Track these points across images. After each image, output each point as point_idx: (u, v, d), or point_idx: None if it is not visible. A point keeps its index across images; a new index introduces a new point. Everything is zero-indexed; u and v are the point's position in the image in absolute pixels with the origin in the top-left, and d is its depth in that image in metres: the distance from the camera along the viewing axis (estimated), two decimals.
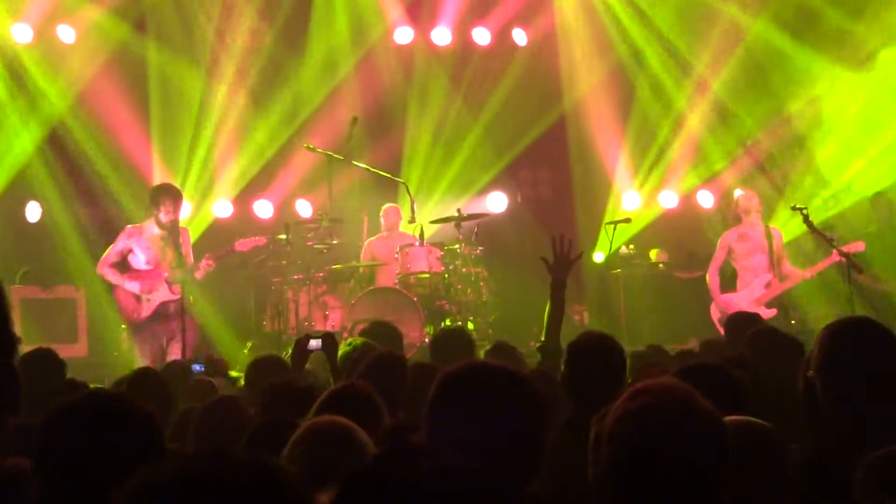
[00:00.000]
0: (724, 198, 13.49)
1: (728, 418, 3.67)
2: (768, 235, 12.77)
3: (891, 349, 3.88)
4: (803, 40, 15.42)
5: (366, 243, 14.40)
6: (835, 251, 12.08)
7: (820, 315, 12.90)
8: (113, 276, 12.12)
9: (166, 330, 12.04)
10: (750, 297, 12.59)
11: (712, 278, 12.93)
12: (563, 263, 7.26)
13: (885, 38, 14.97)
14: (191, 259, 12.21)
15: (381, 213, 14.50)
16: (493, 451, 3.11)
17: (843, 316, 4.27)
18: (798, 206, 12.52)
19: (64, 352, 7.46)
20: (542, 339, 7.20)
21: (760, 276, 12.73)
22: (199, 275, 12.14)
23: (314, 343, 7.18)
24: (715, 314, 12.68)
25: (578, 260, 7.41)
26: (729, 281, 12.95)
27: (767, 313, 12.31)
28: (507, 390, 3.22)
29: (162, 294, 12.03)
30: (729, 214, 13.23)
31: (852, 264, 11.90)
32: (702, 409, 2.98)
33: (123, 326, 12.47)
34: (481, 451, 3.10)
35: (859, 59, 15.12)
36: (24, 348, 11.35)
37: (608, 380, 5.29)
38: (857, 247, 12.40)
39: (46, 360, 7.08)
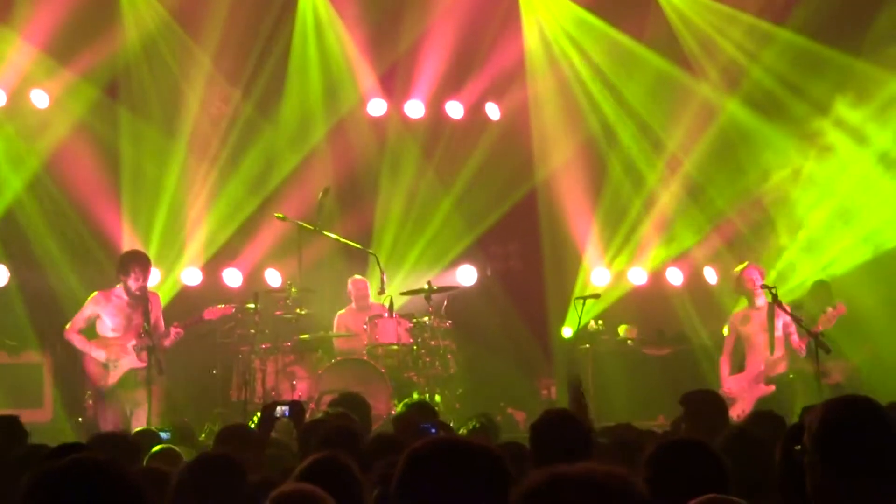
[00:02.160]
0: (736, 274, 13.34)
1: (702, 497, 3.66)
2: (770, 314, 12.81)
3: (890, 429, 3.89)
4: (772, 121, 15.62)
5: (337, 316, 14.36)
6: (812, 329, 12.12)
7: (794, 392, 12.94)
8: (80, 343, 12.08)
9: (131, 398, 11.99)
10: (748, 377, 12.73)
11: (722, 367, 13.10)
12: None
13: (846, 125, 15.20)
14: (161, 325, 12.18)
15: (349, 285, 14.48)
16: None
17: (843, 395, 4.29)
18: (766, 284, 12.61)
19: (28, 416, 7.41)
20: None
21: (761, 354, 12.82)
22: (167, 342, 12.15)
23: (281, 410, 7.13)
24: None
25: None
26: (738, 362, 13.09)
27: (766, 390, 12.51)
28: (475, 466, 3.19)
29: (129, 361, 11.98)
30: (743, 291, 13.20)
31: (820, 344, 11.90)
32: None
33: (89, 392, 12.37)
34: None
35: (822, 145, 15.32)
36: None
37: (573, 456, 5.30)
38: (840, 310, 12.61)
39: (10, 427, 6.98)
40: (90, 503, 3.13)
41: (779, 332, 12.78)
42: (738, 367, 13.06)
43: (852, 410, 3.95)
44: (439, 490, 3.13)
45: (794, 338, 12.76)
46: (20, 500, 3.17)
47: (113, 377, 11.98)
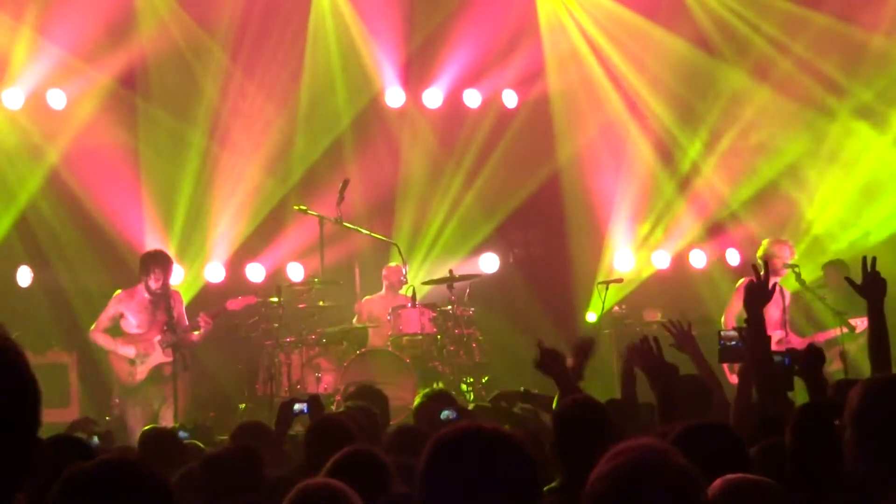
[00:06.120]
0: (764, 248, 13.05)
1: (728, 476, 3.67)
2: (782, 292, 12.59)
3: None
4: (793, 99, 15.55)
5: (363, 301, 14.36)
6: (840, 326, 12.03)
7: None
8: (106, 343, 12.14)
9: (159, 393, 12.05)
10: None
11: (727, 323, 12.54)
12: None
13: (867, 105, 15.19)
14: (185, 321, 12.22)
15: (383, 272, 14.49)
16: None
17: (887, 373, 4.27)
18: (790, 263, 12.51)
19: (56, 416, 7.42)
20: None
21: (773, 330, 12.63)
22: (195, 337, 12.24)
23: (299, 406, 7.14)
24: None
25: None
26: None
27: None
28: (501, 454, 3.19)
29: (157, 356, 12.03)
30: (770, 265, 12.88)
31: (844, 323, 11.88)
32: (675, 465, 2.98)
33: (116, 390, 12.42)
34: None
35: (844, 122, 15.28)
36: None
37: (597, 444, 5.28)
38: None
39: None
40: None
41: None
42: None
43: (890, 390, 3.91)
44: (465, 477, 3.14)
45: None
46: (50, 501, 3.17)
47: (140, 373, 12.04)
